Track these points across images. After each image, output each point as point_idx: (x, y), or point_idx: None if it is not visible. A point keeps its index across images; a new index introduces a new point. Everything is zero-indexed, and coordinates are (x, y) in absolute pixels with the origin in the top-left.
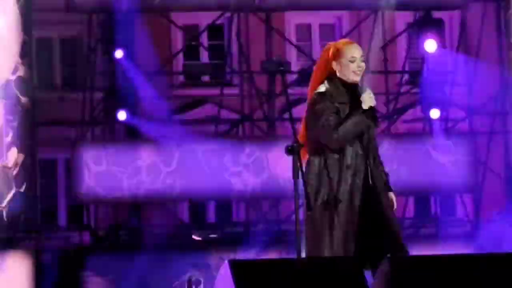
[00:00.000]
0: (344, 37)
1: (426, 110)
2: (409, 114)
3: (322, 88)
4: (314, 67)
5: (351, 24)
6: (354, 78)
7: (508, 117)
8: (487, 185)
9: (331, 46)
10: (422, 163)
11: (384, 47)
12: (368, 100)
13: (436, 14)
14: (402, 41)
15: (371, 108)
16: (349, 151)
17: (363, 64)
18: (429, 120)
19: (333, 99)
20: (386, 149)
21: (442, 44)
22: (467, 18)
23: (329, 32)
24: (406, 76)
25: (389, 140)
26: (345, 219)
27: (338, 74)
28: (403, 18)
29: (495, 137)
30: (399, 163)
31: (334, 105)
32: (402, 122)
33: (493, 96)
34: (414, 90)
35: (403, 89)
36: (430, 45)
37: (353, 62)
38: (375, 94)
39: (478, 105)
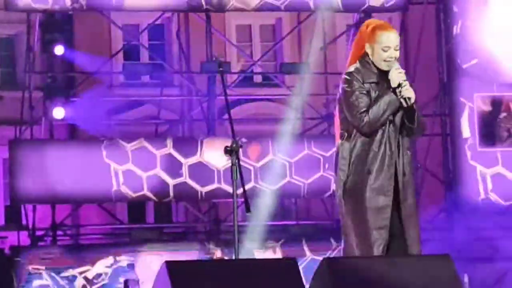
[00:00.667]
0: (284, 38)
1: None
2: None
3: (352, 68)
4: (354, 41)
5: (292, 25)
6: (384, 67)
7: (447, 120)
8: (425, 187)
9: (369, 25)
10: None
11: (324, 48)
12: (396, 77)
13: (376, 16)
14: (342, 43)
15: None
16: (380, 136)
17: (396, 54)
18: None
19: (363, 78)
20: (331, 150)
21: None
22: (407, 20)
23: (270, 33)
24: None
25: (332, 141)
26: (375, 211)
27: (370, 56)
28: (344, 20)
29: (434, 140)
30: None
31: (364, 85)
32: None
33: (432, 98)
34: None
35: None
36: None
37: (385, 52)
38: (314, 95)
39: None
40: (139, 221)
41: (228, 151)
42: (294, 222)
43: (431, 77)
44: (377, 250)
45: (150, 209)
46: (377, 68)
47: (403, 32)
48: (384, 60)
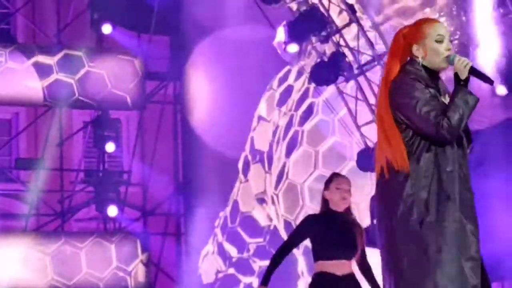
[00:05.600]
0: (20, 133)
1: (100, 209)
2: (83, 213)
3: (402, 74)
4: (386, 63)
5: (29, 120)
6: (443, 63)
7: (181, 219)
8: (159, 286)
9: (406, 28)
10: (99, 263)
11: (60, 145)
12: (462, 65)
13: (114, 114)
14: (79, 139)
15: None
16: (448, 149)
17: (451, 46)
18: (104, 219)
19: (422, 81)
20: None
21: (119, 144)
22: (144, 118)
23: (6, 128)
24: (81, 175)
25: (65, 238)
26: (456, 248)
27: (420, 60)
28: (80, 116)
29: (167, 239)
30: (77, 263)
31: (428, 89)
32: (75, 221)
33: (167, 197)
34: (89, 189)
35: (78, 187)
36: (109, 146)
37: (441, 43)
38: (49, 191)
39: (153, 206)
40: None
41: None
42: None
43: (167, 176)
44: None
45: None
46: (430, 76)
47: (140, 132)
48: (446, 56)
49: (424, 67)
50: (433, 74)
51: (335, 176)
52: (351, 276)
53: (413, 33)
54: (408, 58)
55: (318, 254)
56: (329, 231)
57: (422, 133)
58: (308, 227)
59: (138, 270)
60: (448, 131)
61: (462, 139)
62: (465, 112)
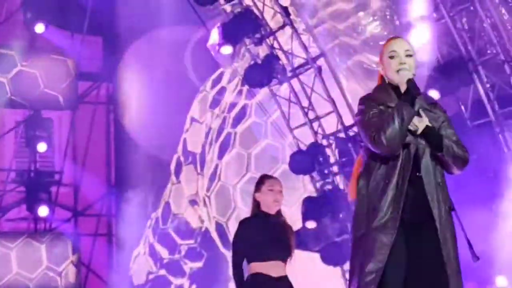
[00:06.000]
0: None
1: (31, 209)
2: (13, 213)
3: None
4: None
5: None
6: (396, 78)
7: (112, 220)
8: (89, 287)
9: None
10: (29, 263)
11: None
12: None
13: (46, 114)
14: (10, 139)
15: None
16: (394, 164)
17: (408, 60)
18: (35, 219)
19: (378, 102)
20: None
21: (51, 144)
22: (76, 119)
23: None
24: (12, 174)
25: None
26: (369, 261)
27: (386, 79)
28: (12, 116)
29: (99, 240)
30: (7, 263)
31: (379, 107)
32: (6, 221)
33: (99, 198)
34: (20, 189)
35: (9, 187)
36: (41, 146)
37: (393, 58)
38: None
39: (84, 206)
40: None
41: None
42: None
43: (99, 176)
44: None
45: None
46: (395, 93)
47: (72, 132)
48: (397, 71)
49: (390, 84)
50: (398, 88)
51: (266, 178)
52: (286, 278)
53: (379, 57)
54: (380, 79)
55: (251, 256)
56: (263, 233)
57: (367, 148)
58: (246, 233)
59: (68, 271)
60: (379, 144)
61: (408, 146)
62: (398, 125)
